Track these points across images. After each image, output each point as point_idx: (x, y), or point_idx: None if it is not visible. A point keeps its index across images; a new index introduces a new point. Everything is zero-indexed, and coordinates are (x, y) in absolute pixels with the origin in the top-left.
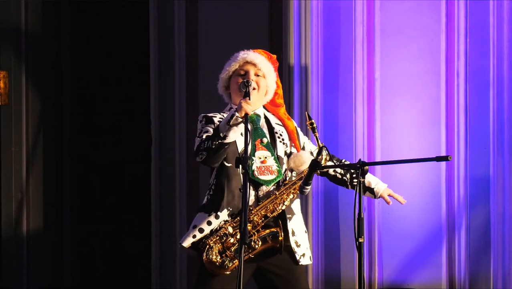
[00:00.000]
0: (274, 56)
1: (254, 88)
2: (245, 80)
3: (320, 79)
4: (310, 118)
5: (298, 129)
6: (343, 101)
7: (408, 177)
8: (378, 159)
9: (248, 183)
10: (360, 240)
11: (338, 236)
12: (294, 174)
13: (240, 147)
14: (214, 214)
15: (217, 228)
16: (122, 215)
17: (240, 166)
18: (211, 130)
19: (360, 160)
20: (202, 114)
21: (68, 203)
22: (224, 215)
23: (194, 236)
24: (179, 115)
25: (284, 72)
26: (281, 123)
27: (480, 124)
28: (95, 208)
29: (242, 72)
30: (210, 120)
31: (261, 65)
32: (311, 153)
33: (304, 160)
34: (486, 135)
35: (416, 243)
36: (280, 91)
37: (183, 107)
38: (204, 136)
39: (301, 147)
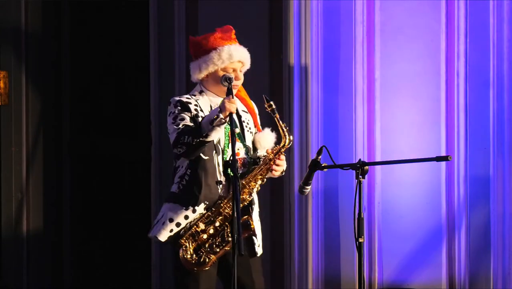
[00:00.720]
0: (232, 27)
1: (237, 86)
2: (228, 76)
3: (320, 79)
4: (268, 101)
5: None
6: (343, 101)
7: (408, 177)
8: (378, 159)
9: (238, 189)
10: (360, 240)
11: (338, 236)
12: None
13: (216, 138)
14: (192, 208)
15: (189, 224)
16: (122, 215)
17: (229, 169)
18: (187, 118)
19: (360, 159)
20: (176, 99)
21: (68, 203)
22: (201, 208)
23: (171, 230)
24: None
25: (284, 72)
26: (246, 110)
27: (480, 124)
28: (95, 208)
29: (230, 71)
30: (185, 108)
31: (246, 62)
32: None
33: (269, 140)
34: (486, 135)
35: (416, 243)
36: None
37: None
38: (181, 126)
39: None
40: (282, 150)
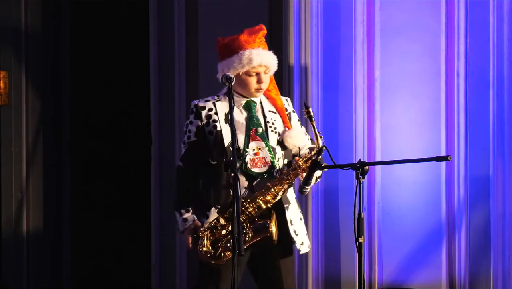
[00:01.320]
0: (264, 27)
1: (261, 89)
2: (228, 76)
3: (320, 79)
4: (307, 107)
5: (293, 114)
6: (343, 101)
7: (408, 177)
8: (378, 159)
9: (238, 189)
10: (360, 240)
11: (338, 236)
12: (286, 160)
13: (227, 140)
14: (204, 214)
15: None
16: (122, 215)
17: (229, 169)
18: (194, 131)
19: (360, 159)
20: (194, 102)
21: (68, 203)
22: (213, 213)
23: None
24: (179, 115)
25: (284, 72)
26: (274, 110)
27: (480, 124)
28: (95, 208)
29: (253, 74)
30: (198, 115)
31: (271, 66)
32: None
33: (292, 134)
34: (486, 135)
35: (416, 243)
36: None
37: (183, 107)
38: (186, 144)
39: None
40: (313, 158)
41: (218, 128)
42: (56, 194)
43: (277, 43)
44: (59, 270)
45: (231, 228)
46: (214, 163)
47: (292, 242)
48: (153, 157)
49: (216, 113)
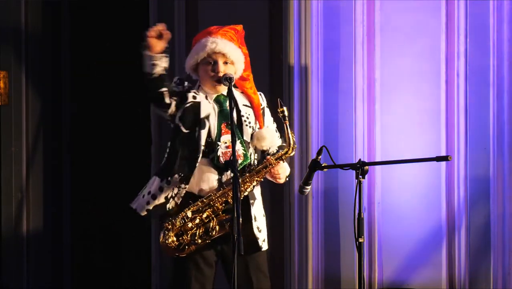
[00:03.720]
0: (240, 27)
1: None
2: (229, 75)
3: (320, 79)
4: (281, 106)
5: (267, 109)
6: (343, 101)
7: (408, 177)
8: (378, 159)
9: (238, 189)
10: (360, 240)
11: (338, 236)
12: (256, 156)
13: (203, 113)
14: (165, 179)
15: (175, 209)
16: (122, 215)
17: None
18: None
19: (360, 159)
20: (177, 77)
21: (68, 203)
22: (175, 180)
23: (148, 203)
24: None
25: (284, 72)
26: (249, 104)
27: (480, 124)
28: (95, 208)
29: (211, 61)
30: (181, 82)
31: (229, 54)
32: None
33: (265, 135)
34: (486, 135)
35: (416, 243)
36: (247, 59)
37: None
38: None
39: (265, 126)
40: (284, 157)
41: (198, 100)
42: (56, 194)
43: (277, 43)
44: (59, 270)
45: (231, 227)
46: (186, 131)
47: (255, 238)
48: (153, 157)
49: (199, 104)
